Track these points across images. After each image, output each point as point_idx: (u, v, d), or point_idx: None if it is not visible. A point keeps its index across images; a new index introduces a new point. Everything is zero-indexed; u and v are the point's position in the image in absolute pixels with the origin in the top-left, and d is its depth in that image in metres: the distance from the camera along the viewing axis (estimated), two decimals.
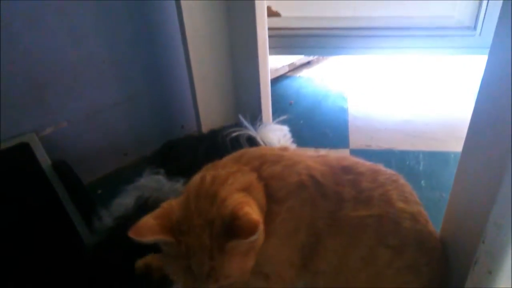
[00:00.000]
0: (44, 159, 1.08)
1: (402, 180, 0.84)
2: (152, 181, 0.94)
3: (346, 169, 0.79)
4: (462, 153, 0.78)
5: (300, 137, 1.49)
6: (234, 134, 1.02)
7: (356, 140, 1.48)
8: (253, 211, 0.66)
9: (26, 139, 1.09)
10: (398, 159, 1.41)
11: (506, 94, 0.58)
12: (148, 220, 0.68)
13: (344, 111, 1.60)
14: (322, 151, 1.44)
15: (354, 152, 1.44)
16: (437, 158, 1.39)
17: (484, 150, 0.69)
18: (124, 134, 1.32)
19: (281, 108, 1.61)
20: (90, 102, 1.22)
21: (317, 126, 1.54)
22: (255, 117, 1.15)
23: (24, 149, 1.07)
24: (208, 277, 0.67)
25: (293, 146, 1.11)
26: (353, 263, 0.78)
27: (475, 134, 0.73)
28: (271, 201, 0.74)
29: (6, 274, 0.89)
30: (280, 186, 0.74)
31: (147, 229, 0.66)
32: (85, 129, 1.23)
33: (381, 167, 0.84)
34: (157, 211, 0.70)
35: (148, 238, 0.65)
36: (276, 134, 1.07)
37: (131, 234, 0.64)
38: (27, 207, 0.98)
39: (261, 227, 0.66)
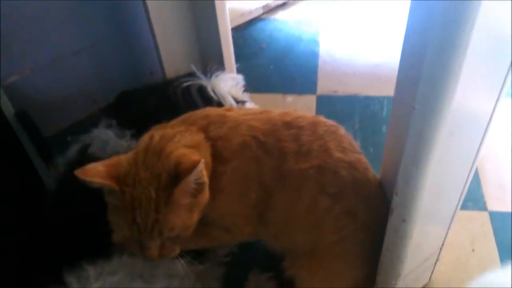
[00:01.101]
0: (8, 108, 1.12)
1: (341, 131, 0.88)
2: (102, 134, 0.97)
3: (288, 125, 0.84)
4: (393, 100, 0.77)
5: (269, 83, 1.52)
6: (185, 84, 1.04)
7: (323, 86, 1.50)
8: (195, 156, 0.71)
9: None
10: (362, 105, 1.44)
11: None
12: (97, 166, 0.73)
13: (315, 55, 1.60)
14: (288, 98, 1.47)
15: (320, 98, 1.46)
16: None
17: (404, 101, 0.69)
18: (91, 80, 1.34)
19: (253, 52, 1.62)
20: (53, 49, 1.23)
21: (287, 71, 1.56)
22: (213, 65, 1.16)
23: None
24: (152, 229, 0.72)
25: (245, 96, 1.13)
26: (298, 213, 0.84)
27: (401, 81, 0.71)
28: (217, 161, 0.79)
29: None
30: (225, 147, 0.80)
31: (94, 172, 0.72)
32: (50, 77, 1.25)
33: (321, 118, 0.88)
34: (106, 161, 0.75)
35: (94, 180, 0.70)
36: (227, 84, 1.09)
37: (78, 173, 0.70)
38: None
39: (204, 174, 0.72)
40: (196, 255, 0.91)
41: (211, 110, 0.87)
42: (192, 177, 0.71)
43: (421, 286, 1.01)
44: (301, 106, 1.44)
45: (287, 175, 0.81)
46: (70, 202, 0.91)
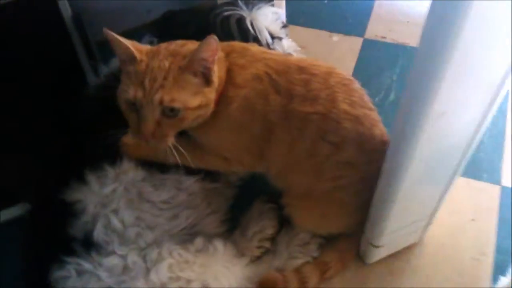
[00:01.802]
0: (66, 9, 1.20)
1: (355, 85, 0.92)
2: None
3: (302, 69, 0.88)
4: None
5: (319, 18, 1.52)
6: (225, 14, 1.07)
7: (373, 30, 1.49)
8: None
9: None
10: (407, 55, 1.42)
11: None
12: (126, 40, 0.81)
13: None
14: (334, 37, 1.47)
15: (367, 42, 1.46)
16: None
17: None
18: None
19: None
20: None
21: (340, 8, 1.54)
22: None
23: None
24: (155, 93, 0.77)
25: (283, 32, 1.14)
26: (299, 154, 0.90)
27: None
28: (230, 85, 0.85)
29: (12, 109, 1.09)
30: (240, 73, 0.86)
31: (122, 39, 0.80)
32: None
33: (337, 70, 0.91)
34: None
35: (120, 41, 0.79)
36: (267, 18, 1.10)
37: (107, 31, 0.78)
38: (46, 54, 1.14)
39: (215, 63, 0.79)
40: (208, 174, 1.01)
41: (236, 43, 0.92)
42: (202, 53, 0.77)
43: (408, 244, 1.07)
44: (345, 47, 1.45)
45: (291, 115, 0.86)
46: (103, 105, 0.98)
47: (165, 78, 0.78)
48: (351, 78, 0.92)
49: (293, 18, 1.46)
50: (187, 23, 1.08)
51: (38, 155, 1.04)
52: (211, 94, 0.82)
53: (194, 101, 0.80)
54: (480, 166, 1.20)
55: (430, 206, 0.94)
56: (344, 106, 0.87)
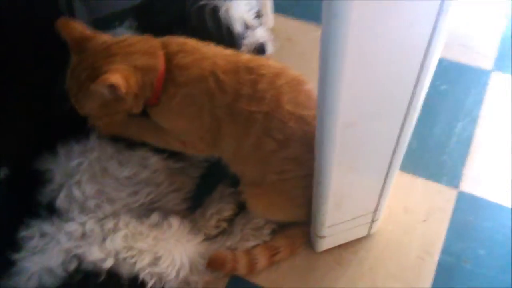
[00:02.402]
0: None
1: (304, 86, 0.97)
2: (121, 33, 1.06)
3: (251, 70, 0.94)
4: None
5: (310, 9, 1.54)
6: (201, 3, 1.09)
7: None
8: (114, 78, 0.83)
9: None
10: None
11: None
12: (81, 26, 0.91)
13: None
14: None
15: None
16: None
17: None
18: None
19: None
20: None
21: None
22: None
23: None
24: (75, 98, 0.90)
25: (257, 22, 1.16)
26: (246, 148, 0.97)
27: None
28: (171, 82, 0.92)
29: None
30: (182, 73, 0.92)
31: (70, 27, 0.90)
32: None
33: (288, 72, 0.97)
34: (91, 30, 0.93)
35: (62, 32, 0.90)
36: (240, 9, 1.11)
37: (58, 22, 0.89)
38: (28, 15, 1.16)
39: (120, 87, 0.84)
40: (173, 154, 1.09)
41: (191, 41, 0.97)
42: (97, 87, 0.84)
43: (357, 237, 1.13)
44: None
45: (237, 112, 0.93)
46: None
47: (79, 89, 0.89)
48: (301, 78, 0.97)
49: (285, 7, 1.49)
50: (162, 11, 1.11)
51: (19, 125, 1.12)
52: (124, 103, 0.90)
53: (102, 112, 0.92)
54: (442, 169, 1.24)
55: (370, 202, 0.99)
56: (288, 107, 0.92)
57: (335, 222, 1.00)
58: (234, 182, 1.15)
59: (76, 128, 1.03)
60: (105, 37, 0.92)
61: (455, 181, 1.23)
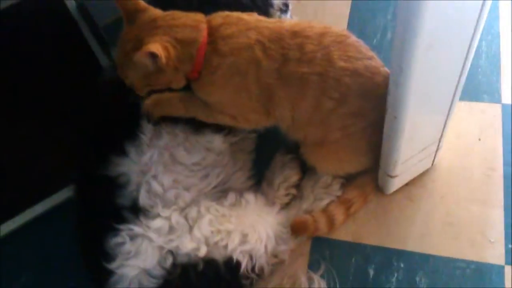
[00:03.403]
0: (70, 2, 1.27)
1: (350, 39, 0.97)
2: None
3: (296, 34, 0.94)
4: None
5: None
6: None
7: None
8: (154, 47, 0.85)
9: None
10: None
11: None
12: None
13: None
14: None
15: None
16: None
17: None
18: None
19: None
20: None
21: None
22: None
23: None
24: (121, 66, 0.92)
25: None
26: (304, 110, 0.97)
27: None
28: (214, 53, 0.92)
29: (38, 103, 1.16)
30: (225, 43, 0.92)
31: None
32: None
33: (331, 29, 0.97)
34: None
35: (119, 2, 0.91)
36: None
37: None
38: (58, 46, 1.21)
39: (161, 57, 0.85)
40: (231, 130, 1.09)
41: (234, 13, 0.97)
42: (138, 57, 0.85)
43: (422, 170, 1.15)
44: None
45: (288, 76, 0.93)
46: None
47: (125, 56, 0.89)
48: (346, 33, 0.97)
49: None
50: None
51: (72, 140, 1.12)
52: (164, 74, 0.91)
53: (144, 81, 0.92)
54: (480, 88, 1.26)
55: (437, 131, 1.01)
56: (341, 63, 0.93)
57: (406, 158, 1.02)
58: (289, 148, 1.17)
59: (134, 123, 1.02)
60: (155, 11, 0.93)
61: (496, 96, 1.25)
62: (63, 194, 1.18)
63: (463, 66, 0.85)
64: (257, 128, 1.09)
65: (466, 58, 0.83)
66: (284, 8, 1.16)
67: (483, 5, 0.72)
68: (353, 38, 0.97)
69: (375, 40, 1.39)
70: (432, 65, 0.78)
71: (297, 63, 0.92)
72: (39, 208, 1.18)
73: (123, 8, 0.92)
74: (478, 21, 0.75)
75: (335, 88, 0.93)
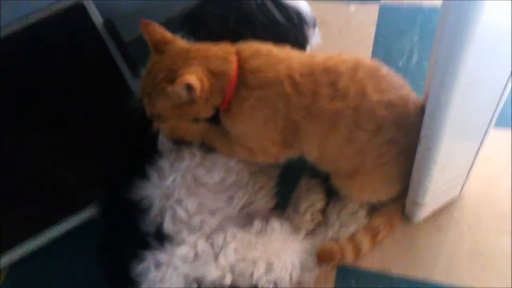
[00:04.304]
0: (97, 18, 1.26)
1: (382, 71, 0.96)
2: None
3: (328, 70, 0.93)
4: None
5: None
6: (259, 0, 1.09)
7: None
8: (192, 78, 0.84)
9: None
10: (425, 17, 1.45)
11: None
12: (161, 29, 0.94)
13: None
14: (351, 7, 1.50)
15: (384, 8, 1.49)
16: None
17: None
18: None
19: None
20: None
21: None
22: None
23: (79, 9, 1.25)
24: (148, 95, 0.91)
25: (306, 6, 1.17)
26: (336, 143, 0.96)
27: None
28: (244, 85, 0.91)
29: (63, 121, 1.15)
30: (254, 77, 0.91)
31: (152, 28, 0.92)
32: None
33: (362, 61, 0.96)
34: (169, 33, 0.94)
35: (147, 31, 0.92)
36: None
37: (143, 21, 0.92)
38: (85, 62, 1.21)
39: (196, 89, 0.85)
40: None
41: (265, 45, 0.96)
42: (176, 88, 0.84)
43: (450, 198, 1.13)
44: (364, 16, 1.48)
45: (318, 113, 0.92)
46: None
47: (154, 87, 0.89)
48: (377, 65, 0.96)
49: None
50: (223, 17, 1.08)
51: (98, 161, 1.11)
52: (195, 105, 0.90)
53: (172, 113, 0.92)
54: (505, 115, 1.24)
55: (468, 160, 0.99)
56: (375, 97, 0.92)
57: (436, 187, 1.00)
58: (314, 172, 1.15)
59: (151, 146, 1.02)
60: (183, 43, 0.94)
61: None
62: (87, 213, 1.17)
63: (500, 98, 0.84)
64: (275, 161, 1.07)
65: (503, 91, 0.82)
66: (314, 24, 1.17)
67: None
68: (384, 70, 0.96)
69: (400, 63, 1.37)
70: (470, 101, 0.77)
71: (329, 99, 0.91)
72: (63, 227, 1.17)
73: (151, 39, 0.92)
74: None
75: (370, 120, 0.92)
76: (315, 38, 1.22)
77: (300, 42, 1.18)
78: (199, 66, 0.89)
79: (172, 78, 0.86)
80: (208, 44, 0.94)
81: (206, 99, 0.90)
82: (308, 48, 1.22)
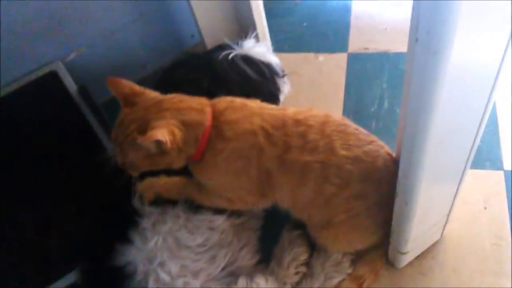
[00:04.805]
0: (71, 85, 1.27)
1: (350, 128, 0.98)
2: None
3: (298, 122, 0.95)
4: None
5: (302, 41, 1.60)
6: (230, 57, 1.13)
7: (355, 43, 1.57)
8: (160, 134, 0.85)
9: (54, 68, 1.27)
10: (392, 62, 1.50)
11: None
12: (128, 83, 0.95)
13: (347, 10, 1.65)
14: (320, 57, 1.55)
15: (352, 57, 1.54)
16: None
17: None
18: (140, 49, 1.47)
19: (286, 8, 1.68)
20: (105, 24, 1.35)
21: (320, 27, 1.62)
22: (248, 31, 1.25)
23: (53, 77, 1.26)
24: (119, 145, 0.92)
25: (274, 58, 1.22)
26: (305, 194, 0.97)
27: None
28: (219, 137, 0.92)
29: (41, 188, 1.14)
30: (231, 127, 0.92)
31: (119, 84, 0.94)
32: (103, 51, 1.38)
33: (331, 117, 0.98)
34: (139, 87, 0.95)
35: (115, 87, 0.93)
36: (262, 49, 1.19)
37: (110, 79, 0.93)
38: (60, 130, 1.21)
39: (167, 143, 0.85)
40: (233, 211, 1.08)
41: (238, 99, 0.99)
42: (144, 142, 0.85)
43: (432, 242, 1.14)
44: (333, 65, 1.52)
45: (290, 163, 0.93)
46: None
47: (125, 138, 0.89)
48: (346, 122, 0.99)
49: (278, 45, 1.53)
50: (196, 79, 1.12)
51: (78, 227, 1.10)
52: (166, 157, 0.91)
53: (144, 164, 0.93)
54: (482, 156, 1.27)
55: (447, 205, 1.01)
56: (342, 152, 0.93)
57: (417, 235, 1.01)
58: (297, 223, 1.15)
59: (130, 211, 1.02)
60: (155, 93, 0.95)
61: (497, 163, 1.26)
62: (69, 279, 1.14)
63: (473, 146, 0.86)
64: (254, 207, 1.08)
65: (475, 139, 0.84)
66: (282, 74, 1.21)
67: (487, 103, 0.73)
68: (353, 127, 0.99)
69: (372, 109, 1.41)
70: (442, 155, 0.78)
71: (299, 151, 0.93)
72: None
73: (120, 93, 0.93)
74: (484, 112, 0.76)
75: (337, 174, 0.93)
76: (286, 86, 1.25)
77: (273, 93, 1.22)
78: (172, 118, 0.89)
79: (144, 129, 0.86)
80: (181, 95, 0.95)
81: (179, 150, 0.90)
82: (282, 97, 1.26)
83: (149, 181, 1.03)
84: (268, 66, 1.20)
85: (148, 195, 1.02)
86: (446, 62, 0.58)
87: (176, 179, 1.03)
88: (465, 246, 1.15)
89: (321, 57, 1.55)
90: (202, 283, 1.00)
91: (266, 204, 1.04)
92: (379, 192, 0.96)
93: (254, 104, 0.98)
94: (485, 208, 1.20)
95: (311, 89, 1.48)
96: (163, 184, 1.03)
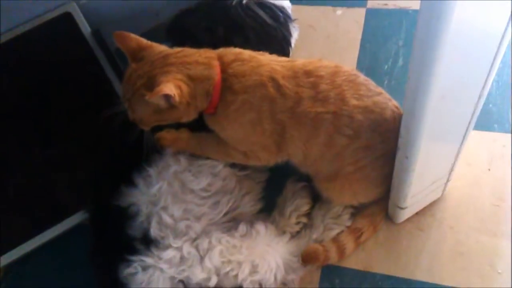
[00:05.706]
0: (85, 27, 1.29)
1: (360, 79, 0.99)
2: None
3: (308, 73, 0.95)
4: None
5: None
6: (244, 2, 1.12)
7: None
8: (168, 88, 0.86)
9: (68, 9, 1.28)
10: (411, 20, 1.47)
11: None
12: (136, 37, 0.95)
13: None
14: (338, 11, 1.53)
15: (370, 12, 1.51)
16: None
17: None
18: None
19: None
20: None
21: None
22: None
23: (67, 18, 1.27)
24: (128, 101, 0.93)
25: (286, 1, 1.20)
26: (316, 147, 0.99)
27: None
28: (228, 90, 0.94)
29: (52, 130, 1.18)
30: (238, 81, 0.93)
31: (127, 39, 0.94)
32: None
33: (341, 68, 0.99)
34: (146, 41, 0.96)
35: (121, 42, 0.93)
36: None
37: (116, 33, 0.93)
38: (73, 73, 1.23)
39: (175, 97, 0.87)
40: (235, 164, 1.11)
41: (246, 51, 0.99)
42: (152, 98, 0.86)
43: (432, 200, 1.16)
44: (350, 20, 1.50)
45: (302, 115, 0.94)
46: None
47: (133, 93, 0.90)
48: (356, 72, 0.99)
49: None
50: (211, 27, 1.11)
51: (87, 169, 1.14)
52: (176, 111, 0.92)
53: (152, 118, 0.94)
54: (491, 118, 1.27)
55: (448, 165, 1.02)
56: (353, 102, 0.95)
57: (416, 192, 1.02)
58: (301, 176, 1.17)
59: (139, 154, 1.04)
60: (162, 47, 0.95)
61: (506, 126, 1.26)
62: (78, 218, 1.20)
63: (476, 107, 0.86)
64: (267, 165, 1.09)
65: (478, 100, 0.84)
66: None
67: (495, 57, 0.73)
68: (362, 77, 0.99)
69: (386, 66, 1.40)
70: (444, 112, 0.79)
71: (311, 102, 0.94)
72: (54, 231, 1.20)
73: (126, 48, 0.94)
74: (490, 70, 0.76)
75: (348, 125, 0.95)
76: (296, 32, 1.25)
77: (287, 39, 1.21)
78: (178, 73, 0.90)
79: (150, 85, 0.88)
80: (187, 49, 0.96)
81: (187, 104, 0.92)
82: (293, 42, 1.26)
83: (172, 136, 1.04)
84: (282, 10, 1.19)
85: (172, 147, 1.04)
86: (451, 13, 0.60)
87: (197, 134, 1.05)
88: (465, 205, 1.17)
89: (339, 11, 1.53)
90: (204, 227, 1.04)
91: (280, 159, 1.05)
92: (385, 144, 0.97)
93: (262, 56, 0.99)
94: (489, 169, 1.20)
95: (326, 44, 1.47)
96: (186, 139, 1.05)
